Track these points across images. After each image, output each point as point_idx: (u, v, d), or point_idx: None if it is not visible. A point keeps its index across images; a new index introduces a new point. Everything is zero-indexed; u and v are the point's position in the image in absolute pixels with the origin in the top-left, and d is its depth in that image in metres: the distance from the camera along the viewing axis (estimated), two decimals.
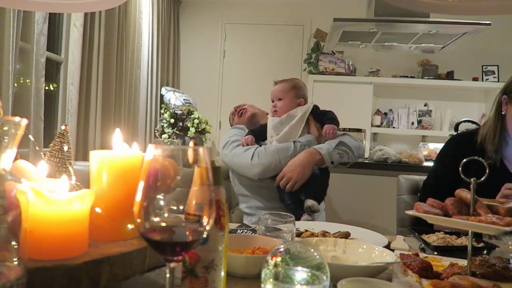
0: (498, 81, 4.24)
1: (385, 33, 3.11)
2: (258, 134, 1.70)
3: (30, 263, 0.50)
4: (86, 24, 2.83)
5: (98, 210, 0.60)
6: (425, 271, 0.78)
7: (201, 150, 0.50)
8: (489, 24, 2.80)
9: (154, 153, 0.50)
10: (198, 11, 4.84)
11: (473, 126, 3.59)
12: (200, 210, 0.55)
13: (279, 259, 0.61)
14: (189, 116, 4.18)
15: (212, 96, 4.85)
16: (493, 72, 4.33)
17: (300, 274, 0.58)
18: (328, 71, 4.33)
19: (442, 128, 4.32)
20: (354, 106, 4.18)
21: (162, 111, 4.28)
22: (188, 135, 4.08)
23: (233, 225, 1.23)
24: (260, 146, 1.63)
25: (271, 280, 0.58)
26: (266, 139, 1.71)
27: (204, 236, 0.52)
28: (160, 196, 0.59)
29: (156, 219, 0.56)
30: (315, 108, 1.69)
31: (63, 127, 0.69)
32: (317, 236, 1.06)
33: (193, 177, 0.58)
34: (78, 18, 2.76)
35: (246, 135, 1.69)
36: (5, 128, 0.37)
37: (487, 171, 0.76)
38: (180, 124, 4.14)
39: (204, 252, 0.58)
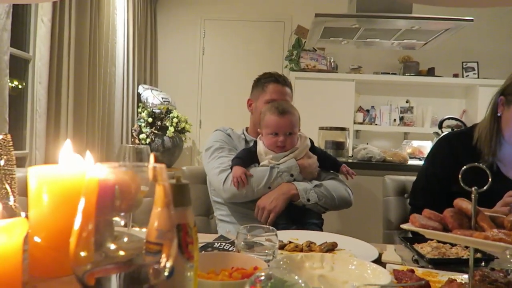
0: (478, 77, 4.26)
1: (367, 29, 3.06)
2: (245, 160, 1.49)
3: None
4: (55, 19, 2.67)
5: (37, 239, 0.49)
6: None
7: (158, 168, 0.41)
8: (472, 20, 2.76)
9: (98, 175, 0.39)
10: (176, 7, 4.69)
11: (455, 123, 3.59)
12: (162, 238, 0.46)
13: None
14: (168, 115, 4.04)
15: (192, 94, 4.72)
16: (473, 69, 4.35)
17: None
18: (310, 68, 4.27)
19: (424, 124, 4.31)
20: (336, 104, 4.13)
21: (139, 110, 4.13)
22: (167, 135, 3.95)
23: (211, 236, 1.14)
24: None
25: None
26: (252, 163, 1.50)
27: (166, 274, 0.42)
28: (117, 218, 0.49)
29: (112, 247, 0.46)
30: (312, 141, 1.61)
31: (1, 136, 0.58)
32: (302, 248, 0.98)
33: (154, 197, 0.49)
34: (46, 13, 2.59)
35: (233, 164, 1.46)
36: None
37: (490, 179, 0.68)
38: (159, 123, 4.00)
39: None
